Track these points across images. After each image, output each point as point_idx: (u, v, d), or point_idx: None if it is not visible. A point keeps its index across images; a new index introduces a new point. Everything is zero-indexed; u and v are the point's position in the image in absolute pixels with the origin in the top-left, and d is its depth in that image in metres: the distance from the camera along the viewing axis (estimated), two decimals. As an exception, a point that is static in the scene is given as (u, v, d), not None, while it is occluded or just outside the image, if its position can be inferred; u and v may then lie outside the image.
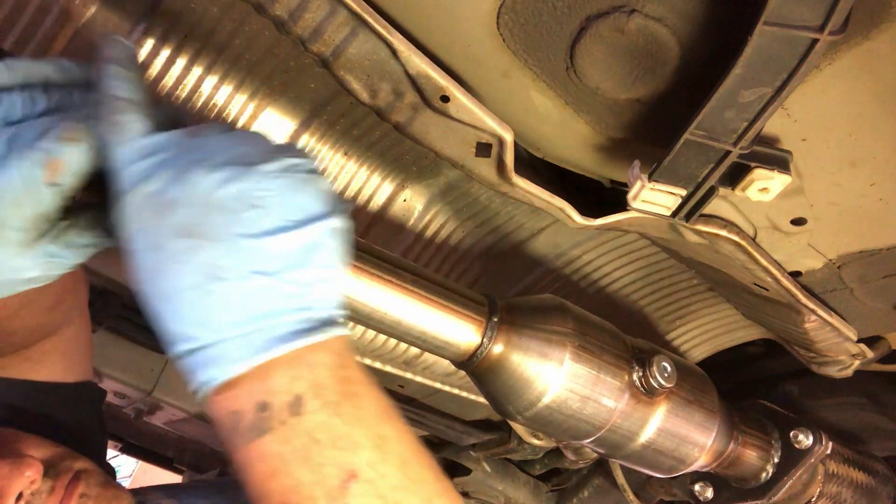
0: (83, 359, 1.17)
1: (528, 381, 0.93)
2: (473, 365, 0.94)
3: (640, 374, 0.99)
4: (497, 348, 0.93)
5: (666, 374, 0.98)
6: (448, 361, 0.96)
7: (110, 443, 3.00)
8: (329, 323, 0.61)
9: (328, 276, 0.61)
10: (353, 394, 0.60)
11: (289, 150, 0.65)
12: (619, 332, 1.04)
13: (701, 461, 1.09)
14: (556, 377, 0.92)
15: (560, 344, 0.94)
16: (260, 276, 0.57)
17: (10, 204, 0.59)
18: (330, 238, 0.62)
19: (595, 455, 1.68)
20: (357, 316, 0.85)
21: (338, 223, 0.63)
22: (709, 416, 1.07)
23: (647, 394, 0.99)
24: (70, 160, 0.60)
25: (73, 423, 1.12)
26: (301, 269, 0.59)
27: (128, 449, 3.05)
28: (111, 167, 0.62)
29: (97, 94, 0.64)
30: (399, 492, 0.58)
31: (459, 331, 0.91)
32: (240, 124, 1.08)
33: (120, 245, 0.61)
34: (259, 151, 0.62)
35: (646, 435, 1.01)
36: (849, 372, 1.33)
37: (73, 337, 1.14)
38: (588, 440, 1.01)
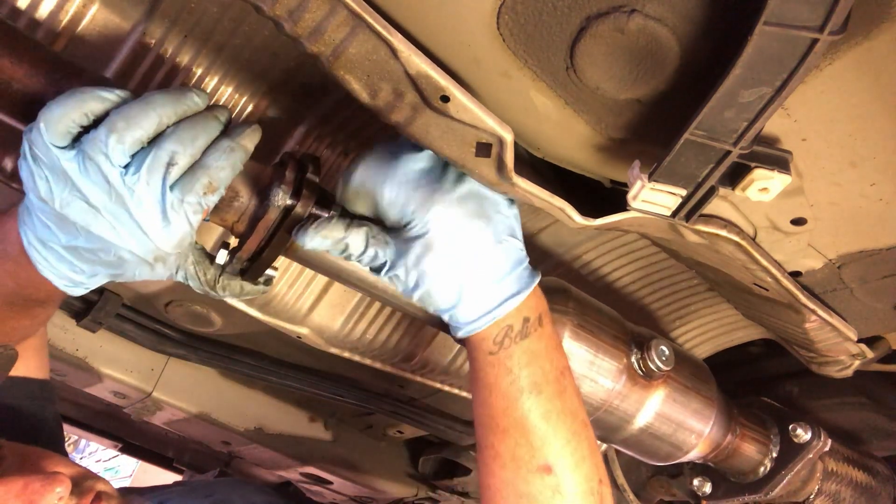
0: (45, 357, 1.22)
1: None
2: None
3: (639, 356, 0.99)
4: None
5: (664, 358, 0.99)
6: (448, 360, 0.97)
7: (110, 443, 3.00)
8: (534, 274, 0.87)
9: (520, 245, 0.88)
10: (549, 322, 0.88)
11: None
12: (620, 317, 1.04)
13: (698, 450, 1.10)
14: None
15: (559, 322, 0.95)
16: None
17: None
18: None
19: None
20: (362, 285, 0.87)
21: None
22: (706, 403, 1.07)
23: (645, 377, 0.99)
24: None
25: (41, 420, 1.16)
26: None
27: (128, 449, 3.05)
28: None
29: None
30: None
31: None
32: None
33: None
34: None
35: (643, 418, 1.01)
36: (849, 372, 1.33)
37: (43, 335, 1.18)
38: None
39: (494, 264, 0.81)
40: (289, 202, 0.82)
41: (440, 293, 0.81)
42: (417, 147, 0.85)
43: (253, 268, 0.86)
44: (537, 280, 0.84)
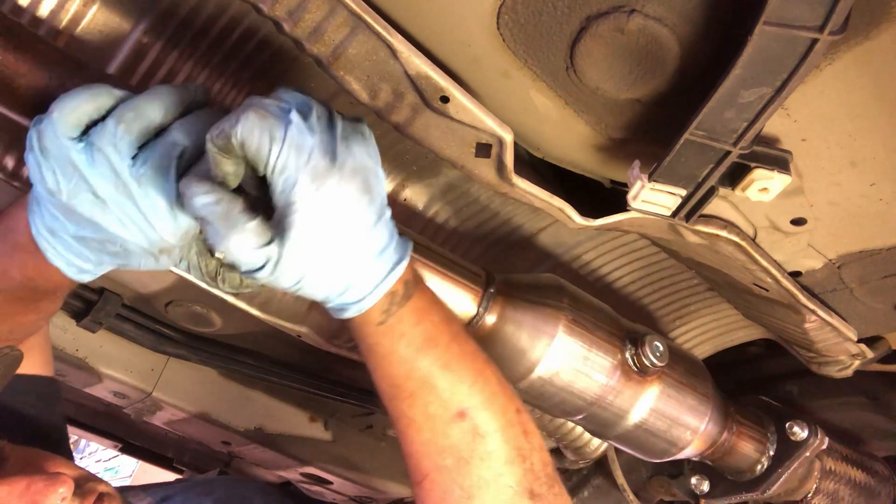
0: (50, 353, 1.21)
1: (521, 352, 0.94)
2: None
3: (633, 352, 1.00)
4: (491, 318, 0.94)
5: (658, 354, 0.99)
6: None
7: (110, 443, 3.00)
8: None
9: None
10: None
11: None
12: (615, 313, 1.04)
13: (694, 446, 1.10)
14: (549, 349, 0.94)
15: (553, 317, 0.95)
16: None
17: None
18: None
19: (595, 455, 1.69)
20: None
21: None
22: (702, 400, 1.07)
23: (640, 372, 1.00)
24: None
25: (49, 421, 1.16)
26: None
27: (128, 449, 3.05)
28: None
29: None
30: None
31: (456, 299, 0.93)
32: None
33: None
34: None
35: (637, 414, 1.01)
36: (849, 372, 1.33)
37: (46, 331, 1.17)
38: (580, 416, 1.02)
39: (378, 239, 0.75)
40: None
41: (326, 284, 0.73)
42: (303, 93, 0.73)
43: None
44: (411, 243, 0.80)
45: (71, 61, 0.78)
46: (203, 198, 0.67)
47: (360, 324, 0.80)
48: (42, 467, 0.91)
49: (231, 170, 0.69)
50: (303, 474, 2.43)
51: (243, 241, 0.68)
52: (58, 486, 0.85)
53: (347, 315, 0.78)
